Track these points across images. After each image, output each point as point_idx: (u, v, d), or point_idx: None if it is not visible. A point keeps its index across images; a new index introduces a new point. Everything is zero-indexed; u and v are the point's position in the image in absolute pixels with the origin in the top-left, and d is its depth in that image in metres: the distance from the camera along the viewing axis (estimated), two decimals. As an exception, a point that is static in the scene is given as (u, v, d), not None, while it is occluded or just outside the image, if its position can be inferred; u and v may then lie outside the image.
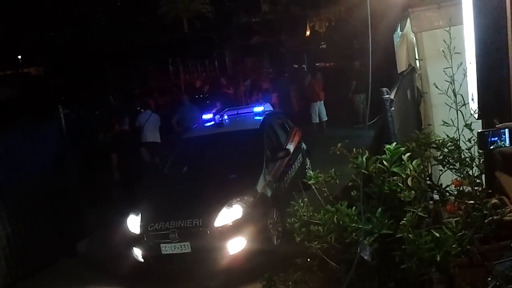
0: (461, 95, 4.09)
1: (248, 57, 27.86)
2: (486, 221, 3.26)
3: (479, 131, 2.19)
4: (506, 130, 2.00)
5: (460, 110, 4.12)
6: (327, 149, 4.76)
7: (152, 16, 30.64)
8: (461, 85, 4.05)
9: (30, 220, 8.29)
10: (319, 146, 11.01)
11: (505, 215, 3.23)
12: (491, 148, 2.05)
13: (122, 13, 29.87)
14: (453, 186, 4.17)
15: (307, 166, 10.41)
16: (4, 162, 8.12)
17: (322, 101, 15.87)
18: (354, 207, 4.05)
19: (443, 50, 3.81)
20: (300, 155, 10.14)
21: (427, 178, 4.50)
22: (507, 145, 1.98)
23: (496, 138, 2.00)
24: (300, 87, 17.57)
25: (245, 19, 34.89)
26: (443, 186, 4.47)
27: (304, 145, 10.63)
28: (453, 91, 3.86)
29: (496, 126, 2.00)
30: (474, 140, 4.85)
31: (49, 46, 27.99)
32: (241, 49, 29.98)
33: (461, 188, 3.92)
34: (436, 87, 4.14)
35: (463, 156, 4.41)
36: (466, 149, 4.56)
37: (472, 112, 3.81)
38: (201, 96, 16.50)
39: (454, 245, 3.47)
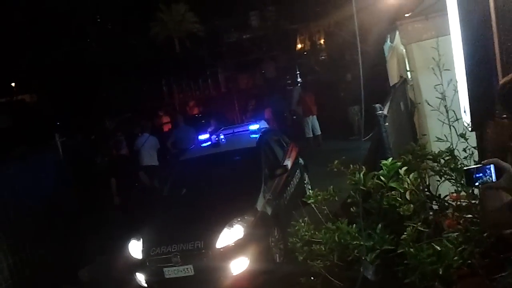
0: (453, 110, 4.15)
1: (241, 74, 27.96)
2: (485, 235, 3.29)
3: (465, 168, 2.24)
4: (491, 166, 2.05)
5: (453, 125, 4.18)
6: (324, 163, 4.80)
7: (143, 38, 30.77)
8: (452, 100, 4.11)
9: (31, 250, 8.26)
10: (316, 160, 11.06)
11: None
12: (477, 185, 2.10)
13: (113, 36, 29.99)
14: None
15: (305, 181, 10.44)
16: (3, 193, 8.12)
17: (315, 116, 15.89)
18: (354, 224, 4.09)
19: (432, 68, 3.87)
20: (298, 170, 10.17)
21: (426, 190, 4.54)
22: (493, 180, 2.03)
23: (481, 174, 2.04)
24: (289, 103, 17.61)
25: (236, 36, 35.09)
26: (442, 196, 4.51)
27: (301, 160, 10.66)
28: (445, 107, 3.91)
29: (481, 162, 2.06)
30: (469, 149, 4.90)
31: (41, 71, 28.04)
32: (233, 67, 30.12)
33: (460, 202, 3.95)
34: (428, 104, 4.20)
35: (459, 166, 4.46)
36: (463, 158, 4.61)
37: (465, 124, 3.86)
38: (196, 115, 16.54)
39: (455, 258, 3.51)
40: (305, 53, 33.18)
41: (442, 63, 3.91)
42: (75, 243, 9.15)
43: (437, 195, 4.54)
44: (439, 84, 4.10)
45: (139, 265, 7.57)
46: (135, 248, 7.70)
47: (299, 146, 11.24)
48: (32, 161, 9.04)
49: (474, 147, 4.50)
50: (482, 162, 2.11)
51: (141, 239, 7.72)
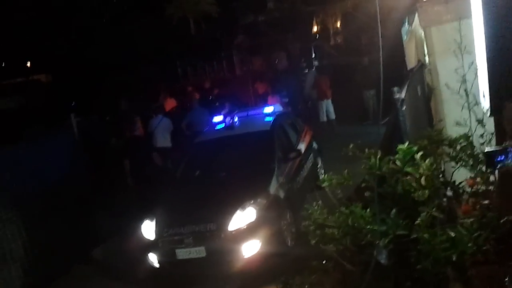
0: (473, 94, 4.06)
1: (256, 56, 27.79)
2: (501, 221, 3.23)
3: (485, 151, 2.19)
4: None
5: (473, 109, 4.10)
6: (338, 148, 4.75)
7: (158, 18, 30.66)
8: (472, 84, 4.02)
9: (45, 228, 8.33)
10: (330, 145, 11.00)
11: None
12: (498, 167, 2.05)
13: (128, 16, 29.91)
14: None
15: (318, 166, 10.39)
16: (19, 171, 8.19)
17: (330, 100, 15.75)
18: (368, 209, 4.04)
19: (454, 51, 3.78)
20: (311, 154, 10.12)
21: (440, 176, 4.48)
22: None
23: (503, 157, 1.99)
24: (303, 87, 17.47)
25: (252, 18, 34.86)
26: (457, 183, 4.45)
27: (315, 144, 10.60)
28: (465, 90, 3.83)
29: (502, 145, 2.00)
30: (486, 135, 4.82)
31: (57, 51, 28.10)
32: (249, 49, 29.94)
33: (476, 188, 3.89)
34: (448, 88, 4.12)
35: (475, 153, 4.39)
36: (481, 144, 4.54)
37: (484, 110, 3.78)
38: (210, 97, 16.47)
39: (469, 244, 3.46)
40: (321, 36, 32.86)
41: (464, 46, 3.82)
42: (89, 223, 9.22)
43: (452, 181, 4.48)
44: (459, 68, 4.00)
45: (151, 246, 7.63)
46: (148, 229, 7.74)
47: (313, 130, 11.17)
48: (47, 141, 9.09)
49: (492, 133, 4.43)
50: (504, 144, 2.06)
51: (154, 220, 7.76)
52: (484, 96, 3.80)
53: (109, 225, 9.57)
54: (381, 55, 3.39)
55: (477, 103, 4.09)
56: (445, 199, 4.29)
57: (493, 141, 4.49)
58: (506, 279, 2.97)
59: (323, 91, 15.74)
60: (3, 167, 8.00)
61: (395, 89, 4.57)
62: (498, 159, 2.02)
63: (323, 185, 4.41)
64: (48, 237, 8.36)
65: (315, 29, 34.31)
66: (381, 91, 3.65)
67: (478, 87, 3.94)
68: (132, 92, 19.79)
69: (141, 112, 12.59)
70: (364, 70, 16.03)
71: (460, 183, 4.39)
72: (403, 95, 4.71)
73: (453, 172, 4.64)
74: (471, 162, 4.36)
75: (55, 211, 8.59)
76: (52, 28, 27.27)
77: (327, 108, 15.73)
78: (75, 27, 27.77)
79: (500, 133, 3.64)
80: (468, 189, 4.08)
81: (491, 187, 3.52)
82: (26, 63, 33.97)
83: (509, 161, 1.98)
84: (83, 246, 9.03)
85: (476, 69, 3.96)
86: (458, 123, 4.34)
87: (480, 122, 4.60)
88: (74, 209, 8.95)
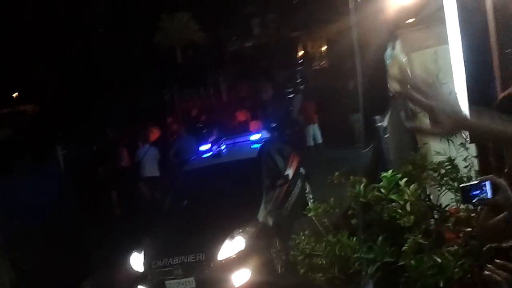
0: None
1: (242, 82, 27.96)
2: (484, 248, 3.26)
3: (461, 185, 2.23)
4: (487, 183, 2.03)
5: (451, 140, 4.16)
6: (326, 171, 4.78)
7: (145, 47, 30.83)
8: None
9: (34, 262, 8.25)
10: (318, 169, 11.03)
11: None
12: (474, 202, 2.08)
13: (114, 47, 30.05)
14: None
15: (306, 191, 10.39)
16: (6, 205, 8.14)
17: (316, 124, 15.83)
18: (355, 237, 4.07)
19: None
20: (299, 180, 10.13)
21: (426, 199, 4.51)
22: (489, 197, 2.02)
23: (479, 192, 2.03)
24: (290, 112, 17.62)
25: (238, 44, 35.19)
26: (443, 206, 4.48)
27: (302, 170, 10.63)
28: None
29: (478, 179, 2.05)
30: (469, 159, 4.87)
31: (43, 81, 28.11)
32: (236, 75, 30.15)
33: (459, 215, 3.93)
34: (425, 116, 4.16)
35: (459, 176, 4.44)
36: (464, 167, 4.57)
37: (464, 136, 3.84)
38: (198, 125, 16.53)
39: (456, 270, 3.48)
40: (306, 60, 33.20)
41: (442, 76, 3.90)
42: (77, 255, 9.13)
43: (439, 204, 4.52)
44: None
45: (140, 278, 7.56)
46: (137, 261, 7.68)
47: (300, 155, 11.21)
48: (33, 174, 9.08)
49: (474, 157, 4.48)
50: (478, 179, 2.10)
51: (143, 252, 7.70)
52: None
53: (98, 257, 9.48)
54: (360, 80, 3.44)
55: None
56: (432, 221, 4.33)
57: (476, 164, 4.54)
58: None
59: (310, 116, 15.84)
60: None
61: (377, 117, 4.63)
62: (473, 193, 2.05)
63: (310, 214, 4.43)
64: (36, 270, 8.27)
65: (300, 53, 34.68)
66: (362, 119, 3.69)
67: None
68: (118, 121, 19.76)
69: (127, 142, 12.58)
70: (349, 94, 16.16)
71: (446, 206, 4.43)
72: (385, 123, 4.77)
73: (439, 195, 4.68)
74: (456, 185, 4.41)
75: (43, 244, 8.52)
76: (39, 59, 27.29)
77: (314, 132, 15.80)
78: (61, 57, 27.80)
79: (482, 162, 3.70)
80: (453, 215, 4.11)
81: (473, 214, 3.57)
82: (12, 94, 33.91)
83: (484, 195, 2.02)
84: (72, 279, 8.92)
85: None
86: (438, 153, 4.39)
87: (463, 146, 4.66)
88: (62, 241, 8.88)
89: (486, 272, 2.11)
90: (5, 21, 25.89)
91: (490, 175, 2.07)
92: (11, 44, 26.82)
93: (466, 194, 2.09)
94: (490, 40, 3.81)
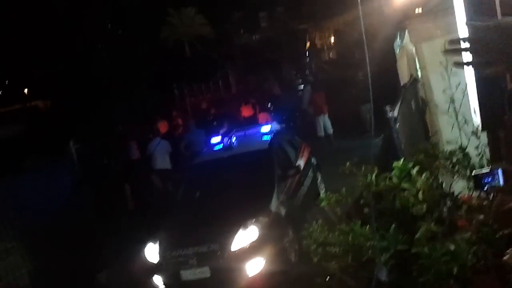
0: (463, 115, 4.16)
1: (252, 75, 27.99)
2: (497, 236, 3.31)
3: (474, 173, 2.29)
4: (499, 171, 2.09)
5: (462, 128, 4.21)
6: (337, 161, 4.83)
7: (153, 42, 30.91)
8: (461, 103, 4.13)
9: (49, 256, 8.38)
10: (329, 159, 11.08)
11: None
12: (486, 189, 2.14)
13: (123, 42, 30.16)
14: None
15: (318, 181, 10.45)
16: (21, 201, 8.26)
17: (326, 115, 15.88)
18: (367, 226, 4.12)
19: (440, 73, 3.90)
20: (310, 170, 10.18)
21: (439, 188, 4.55)
22: (501, 185, 2.07)
23: (490, 179, 2.09)
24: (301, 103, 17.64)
25: (246, 37, 35.17)
26: (456, 194, 4.53)
27: (314, 160, 10.67)
28: (454, 109, 3.94)
29: (489, 166, 2.11)
30: (481, 146, 4.92)
31: (54, 76, 28.27)
32: (244, 68, 30.17)
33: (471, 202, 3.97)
34: (437, 105, 4.22)
35: (471, 164, 4.48)
36: (476, 155, 4.63)
37: (475, 125, 3.88)
38: (208, 118, 16.61)
39: (469, 257, 3.54)
40: (315, 52, 33.13)
41: (451, 67, 3.94)
42: (92, 248, 9.26)
43: (451, 192, 4.56)
44: (447, 89, 4.12)
45: (156, 268, 7.66)
46: (152, 252, 7.78)
47: (311, 145, 11.25)
48: (46, 169, 9.17)
49: (486, 145, 4.53)
50: (490, 166, 2.16)
51: (158, 242, 7.81)
52: (475, 112, 3.91)
53: (113, 250, 9.61)
54: (368, 71, 3.47)
55: (466, 122, 4.20)
56: (445, 209, 4.37)
57: (487, 153, 4.59)
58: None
59: (319, 107, 15.89)
60: (5, 197, 8.07)
61: (387, 107, 4.67)
62: (486, 180, 2.11)
63: (322, 204, 4.49)
64: (52, 264, 8.40)
65: (308, 45, 34.61)
66: (371, 110, 3.73)
67: (468, 105, 4.04)
68: (129, 116, 19.90)
69: (138, 136, 12.68)
70: (359, 84, 16.15)
71: (458, 194, 4.48)
72: (395, 113, 4.81)
73: (451, 183, 4.72)
74: (468, 173, 4.45)
75: (58, 238, 8.64)
76: (50, 53, 27.46)
77: (324, 123, 15.85)
78: (73, 52, 27.95)
79: (494, 150, 3.75)
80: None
81: (485, 202, 3.61)
82: (24, 90, 34.14)
83: (496, 183, 2.08)
84: (88, 272, 9.05)
85: (464, 89, 4.08)
86: (448, 142, 4.44)
87: (475, 134, 4.70)
88: (77, 235, 8.99)
89: (505, 257, 2.17)
90: (17, 17, 26.08)
91: (502, 163, 2.13)
92: (23, 40, 27.01)
93: (478, 181, 2.15)
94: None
